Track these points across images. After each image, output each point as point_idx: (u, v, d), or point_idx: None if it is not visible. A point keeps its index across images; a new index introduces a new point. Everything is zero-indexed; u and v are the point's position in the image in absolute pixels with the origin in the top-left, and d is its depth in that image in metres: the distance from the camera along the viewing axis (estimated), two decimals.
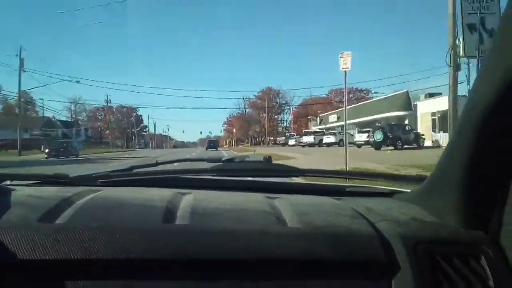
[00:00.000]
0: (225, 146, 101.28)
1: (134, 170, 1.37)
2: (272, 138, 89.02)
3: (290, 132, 72.93)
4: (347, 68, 10.41)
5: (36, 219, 0.75)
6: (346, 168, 10.49)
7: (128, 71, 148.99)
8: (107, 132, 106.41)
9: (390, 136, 27.77)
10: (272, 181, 1.33)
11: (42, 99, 77.87)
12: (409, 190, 1.15)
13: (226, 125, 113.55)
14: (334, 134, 44.79)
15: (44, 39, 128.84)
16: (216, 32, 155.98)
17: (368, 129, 33.72)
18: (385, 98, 43.45)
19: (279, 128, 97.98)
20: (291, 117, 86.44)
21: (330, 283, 0.74)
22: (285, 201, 0.99)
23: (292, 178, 1.58)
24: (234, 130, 71.08)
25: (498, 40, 0.65)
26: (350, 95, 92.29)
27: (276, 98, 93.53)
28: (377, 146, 28.23)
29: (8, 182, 1.21)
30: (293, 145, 56.32)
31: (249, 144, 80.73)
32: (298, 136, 59.24)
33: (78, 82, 46.81)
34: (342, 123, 56.26)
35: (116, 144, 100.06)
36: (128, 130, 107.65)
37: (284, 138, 67.18)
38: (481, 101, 0.68)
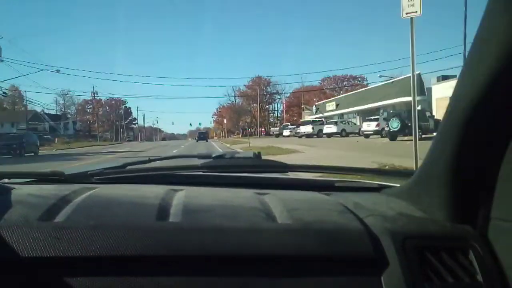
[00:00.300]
0: (215, 137, 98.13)
1: (128, 167, 1.38)
2: (263, 129, 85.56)
3: (284, 122, 69.45)
4: (416, 13, 6.52)
5: (36, 218, 0.77)
6: (415, 168, 6.75)
7: (114, 61, 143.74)
8: (96, 125, 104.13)
9: (409, 124, 23.69)
10: (262, 177, 1.35)
11: (25, 91, 72.56)
12: (397, 185, 1.15)
13: (216, 116, 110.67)
14: (335, 123, 40.35)
15: (25, 28, 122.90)
16: (204, 19, 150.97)
17: (376, 117, 30.06)
18: (392, 82, 39.20)
19: (270, 119, 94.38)
20: (283, 106, 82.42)
21: (320, 279, 0.73)
22: (275, 197, 0.99)
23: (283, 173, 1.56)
24: (225, 121, 66.79)
25: (480, 36, 0.65)
26: (344, 83, 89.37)
27: (266, 87, 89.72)
28: (393, 136, 24.12)
29: (6, 180, 1.22)
30: (287, 136, 53.28)
31: (240, 136, 77.23)
32: (294, 126, 55.93)
33: (58, 71, 42.66)
34: (341, 111, 53.23)
35: (105, 137, 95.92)
36: (117, 123, 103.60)
37: (278, 128, 62.92)
38: (465, 96, 0.69)
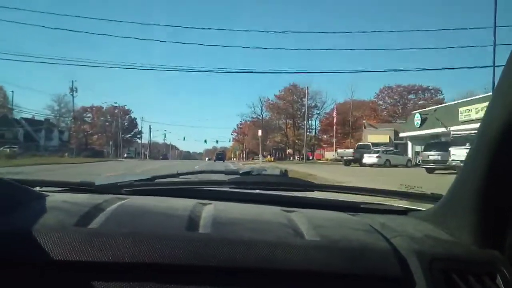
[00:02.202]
0: (234, 159, 74.29)
1: (156, 180, 1.34)
2: (290, 151, 60.97)
3: (319, 142, 44.19)
4: None
5: (71, 224, 0.75)
6: None
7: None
8: (95, 137, 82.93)
9: None
10: (288, 195, 1.30)
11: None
12: (424, 209, 1.10)
13: (236, 134, 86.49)
14: None
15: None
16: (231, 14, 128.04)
17: None
18: None
19: (306, 138, 69.51)
20: (334, 119, 57.32)
21: None
22: (301, 214, 0.95)
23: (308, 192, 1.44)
24: (260, 134, 42.97)
25: (511, 61, 0.62)
26: (409, 96, 64.70)
27: (303, 99, 65.01)
28: None
29: (38, 188, 1.16)
30: (370, 165, 27.90)
31: (272, 159, 52.52)
32: (385, 149, 30.59)
33: None
34: None
35: (102, 151, 72.08)
36: (122, 136, 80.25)
37: (351, 151, 35.15)
38: (495, 121, 0.67)
